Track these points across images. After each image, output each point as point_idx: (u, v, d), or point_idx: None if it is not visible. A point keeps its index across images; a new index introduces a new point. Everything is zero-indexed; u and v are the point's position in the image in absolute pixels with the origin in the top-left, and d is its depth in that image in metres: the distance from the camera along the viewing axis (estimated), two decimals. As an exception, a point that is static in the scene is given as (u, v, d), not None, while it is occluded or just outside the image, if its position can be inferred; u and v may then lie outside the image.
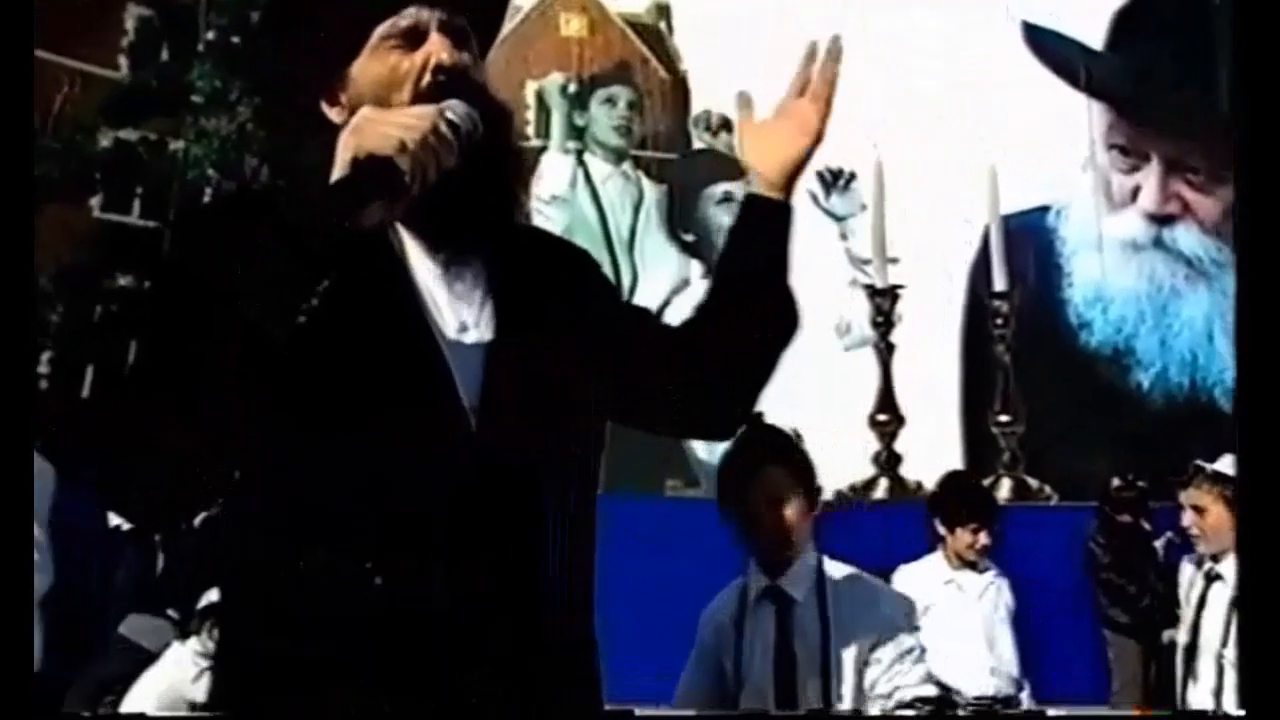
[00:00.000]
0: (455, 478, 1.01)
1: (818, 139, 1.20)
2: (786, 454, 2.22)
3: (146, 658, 3.31)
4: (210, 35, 5.37)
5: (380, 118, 1.01)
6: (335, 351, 0.99)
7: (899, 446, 4.46)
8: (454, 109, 1.03)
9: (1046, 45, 5.53)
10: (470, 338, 1.06)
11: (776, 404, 1.41)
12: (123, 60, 5.42)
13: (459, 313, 1.07)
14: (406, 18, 1.11)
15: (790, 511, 2.19)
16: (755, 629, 2.19)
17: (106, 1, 5.48)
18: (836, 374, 4.63)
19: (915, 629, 2.23)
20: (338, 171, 0.98)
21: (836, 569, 2.23)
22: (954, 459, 4.92)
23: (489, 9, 1.21)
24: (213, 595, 3.20)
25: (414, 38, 1.11)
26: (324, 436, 1.00)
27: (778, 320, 1.19)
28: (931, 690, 2.14)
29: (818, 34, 1.23)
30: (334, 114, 1.10)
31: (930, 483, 3.99)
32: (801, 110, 1.20)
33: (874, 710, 2.11)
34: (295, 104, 1.17)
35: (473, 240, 1.10)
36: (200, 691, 2.91)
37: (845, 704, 2.10)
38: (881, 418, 4.46)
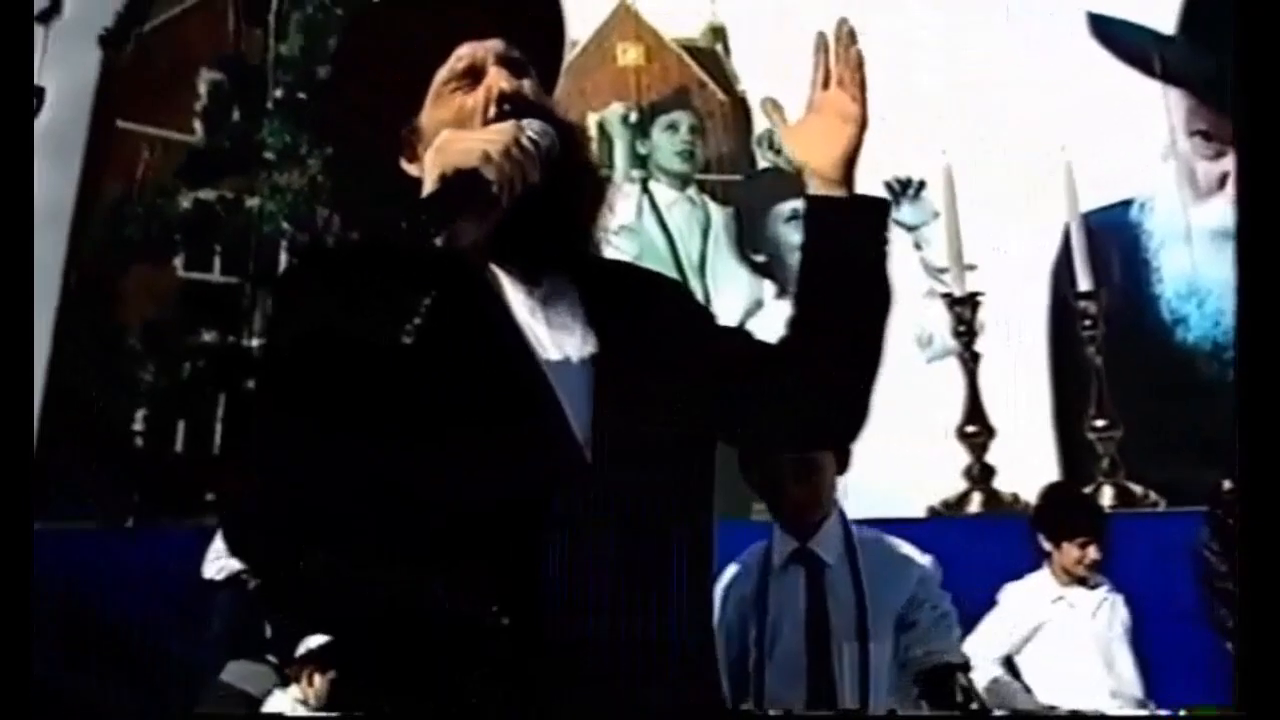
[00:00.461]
0: (572, 509, 1.01)
1: (862, 124, 1.17)
2: None
3: (248, 702, 3.35)
4: (278, 93, 5.53)
5: (461, 135, 1.04)
6: (442, 386, 0.99)
7: (991, 458, 4.35)
8: (531, 126, 1.04)
9: (1115, 35, 5.37)
10: (574, 369, 1.06)
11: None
12: (197, 124, 5.61)
13: (561, 345, 1.07)
14: (463, 59, 1.13)
15: (821, 471, 2.13)
16: (783, 595, 2.12)
17: (181, 69, 5.70)
18: (921, 387, 4.52)
19: (945, 591, 2.17)
20: (427, 189, 1.00)
21: (862, 531, 2.17)
22: (1049, 468, 4.76)
23: (548, 44, 1.21)
24: (312, 642, 3.24)
25: (473, 76, 1.13)
26: (439, 475, 1.00)
27: (875, 310, 1.16)
28: (962, 657, 2.08)
29: (865, 43, 1.20)
30: (414, 169, 1.11)
31: (1026, 494, 3.87)
32: (834, 100, 1.18)
33: (906, 673, 2.04)
34: (364, 158, 1.19)
35: (564, 264, 1.10)
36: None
37: (883, 668, 2.03)
38: (971, 429, 4.35)
